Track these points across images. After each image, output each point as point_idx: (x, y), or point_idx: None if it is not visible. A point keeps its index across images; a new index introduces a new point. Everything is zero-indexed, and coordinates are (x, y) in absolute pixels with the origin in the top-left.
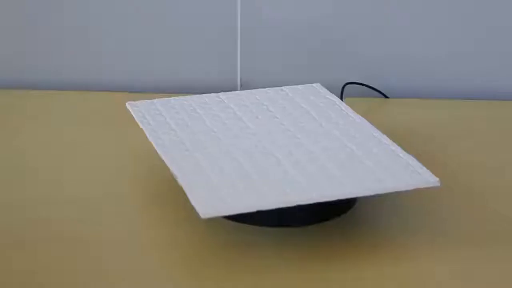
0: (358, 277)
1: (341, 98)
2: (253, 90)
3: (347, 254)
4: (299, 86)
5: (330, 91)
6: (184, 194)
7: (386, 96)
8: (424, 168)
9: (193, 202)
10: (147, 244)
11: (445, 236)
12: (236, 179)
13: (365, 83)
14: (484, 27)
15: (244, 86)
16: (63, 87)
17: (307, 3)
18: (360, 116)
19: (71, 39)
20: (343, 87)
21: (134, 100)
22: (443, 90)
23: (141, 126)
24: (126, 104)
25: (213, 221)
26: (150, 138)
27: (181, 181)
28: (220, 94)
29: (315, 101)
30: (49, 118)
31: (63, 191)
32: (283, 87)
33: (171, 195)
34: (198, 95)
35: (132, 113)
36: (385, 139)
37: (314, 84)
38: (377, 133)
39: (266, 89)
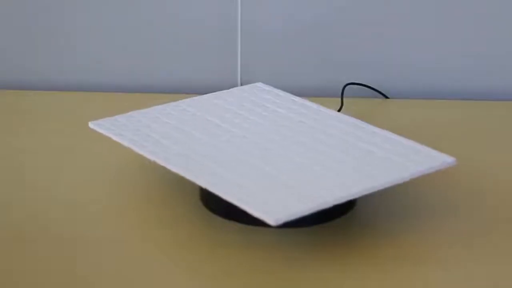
0: (359, 277)
1: (342, 98)
2: (202, 96)
3: (347, 254)
4: (244, 87)
5: (330, 92)
6: (183, 195)
7: (386, 97)
8: (435, 151)
9: (256, 213)
10: (147, 244)
11: (446, 236)
12: (270, 182)
13: (365, 83)
14: (484, 28)
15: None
16: (63, 88)
17: (308, 4)
18: (335, 111)
19: (71, 39)
20: (343, 88)
21: (134, 101)
22: (443, 91)
23: (126, 144)
24: (89, 124)
25: (213, 222)
26: (147, 155)
27: (223, 194)
28: (179, 102)
29: (272, 99)
30: (48, 118)
31: (62, 192)
32: (229, 89)
33: (171, 195)
34: (157, 106)
35: (102, 131)
36: (379, 130)
37: (257, 84)
38: (366, 126)
39: (214, 93)
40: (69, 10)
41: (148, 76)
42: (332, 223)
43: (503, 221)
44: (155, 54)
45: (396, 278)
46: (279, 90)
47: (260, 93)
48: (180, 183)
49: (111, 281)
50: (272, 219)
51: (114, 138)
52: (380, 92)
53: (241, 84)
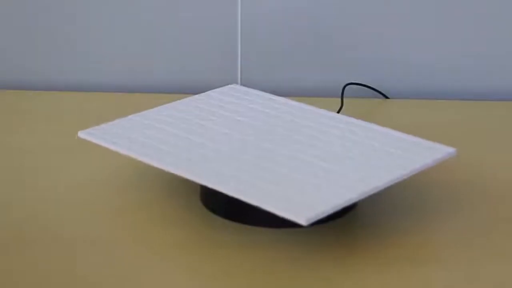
0: (359, 276)
1: (342, 99)
2: (182, 100)
3: (348, 254)
4: (221, 89)
5: (330, 92)
6: (183, 195)
7: (386, 97)
8: (432, 142)
9: (284, 214)
10: (147, 244)
11: (447, 236)
12: (280, 181)
13: (365, 83)
14: (484, 28)
15: (244, 86)
16: (63, 88)
17: (308, 3)
18: (324, 109)
19: (71, 39)
20: (343, 88)
21: (134, 101)
22: (443, 91)
23: (125, 152)
24: (79, 133)
25: (213, 222)
26: (150, 162)
27: (245, 198)
28: (160, 107)
29: (254, 100)
30: (48, 118)
31: (62, 192)
32: (206, 92)
33: (171, 196)
34: (142, 112)
35: (94, 141)
36: (375, 126)
37: (232, 85)
38: (358, 122)
39: (192, 97)
40: (69, 10)
41: (148, 76)
42: (332, 222)
43: (503, 221)
44: (155, 54)
45: (397, 278)
46: (256, 90)
47: (239, 94)
48: (180, 183)
49: (111, 281)
50: (303, 219)
51: (110, 147)
52: (380, 92)
53: (242, 84)
